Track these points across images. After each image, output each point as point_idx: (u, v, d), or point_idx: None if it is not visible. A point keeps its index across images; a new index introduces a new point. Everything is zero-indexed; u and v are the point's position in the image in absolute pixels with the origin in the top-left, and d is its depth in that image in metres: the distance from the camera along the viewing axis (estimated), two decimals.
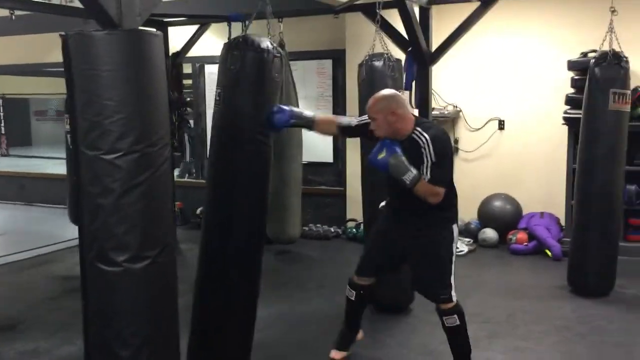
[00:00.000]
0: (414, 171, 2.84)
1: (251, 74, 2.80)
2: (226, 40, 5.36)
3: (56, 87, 13.30)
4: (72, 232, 6.46)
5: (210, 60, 7.05)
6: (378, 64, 4.07)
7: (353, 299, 3.31)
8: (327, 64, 6.55)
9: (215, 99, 2.91)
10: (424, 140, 2.88)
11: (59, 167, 10.42)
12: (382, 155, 2.93)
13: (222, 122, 2.91)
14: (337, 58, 6.49)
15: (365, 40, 6.17)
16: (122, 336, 2.16)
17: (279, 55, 2.87)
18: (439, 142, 2.89)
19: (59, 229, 7.04)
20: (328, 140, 6.64)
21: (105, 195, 2.11)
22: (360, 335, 3.48)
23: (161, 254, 2.20)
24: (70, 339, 3.70)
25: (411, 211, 3.05)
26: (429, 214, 2.99)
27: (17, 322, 4.03)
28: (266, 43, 2.81)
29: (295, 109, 3.05)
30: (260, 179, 2.96)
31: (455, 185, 3.11)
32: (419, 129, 2.93)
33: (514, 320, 3.95)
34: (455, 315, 2.99)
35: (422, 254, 3.06)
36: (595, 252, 4.37)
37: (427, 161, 2.85)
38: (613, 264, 4.40)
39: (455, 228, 3.05)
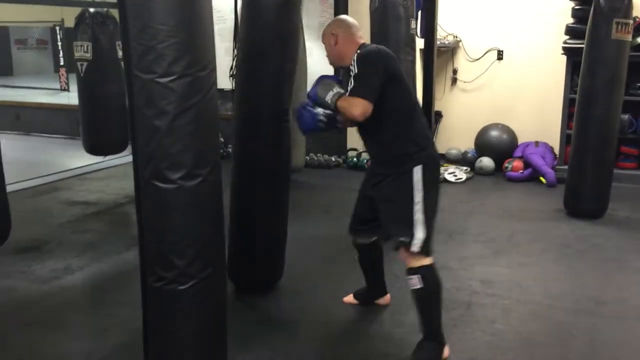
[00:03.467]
0: (336, 90, 2.68)
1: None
2: None
3: (37, 14, 12.98)
4: (76, 161, 6.63)
5: None
6: None
7: (356, 257, 3.13)
8: None
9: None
10: (354, 59, 2.65)
11: (49, 97, 10.37)
12: (313, 86, 2.80)
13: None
14: None
15: None
16: (177, 248, 2.33)
17: None
18: (364, 55, 2.64)
19: (62, 158, 7.15)
20: (330, 70, 6.69)
21: (160, 117, 2.22)
22: (385, 300, 3.22)
23: (211, 172, 2.35)
24: (99, 258, 3.90)
25: (373, 156, 2.88)
26: (385, 157, 2.73)
27: (42, 243, 4.19)
28: None
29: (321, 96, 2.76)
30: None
31: (416, 120, 2.70)
32: (359, 51, 2.69)
33: (515, 239, 4.23)
34: (416, 277, 2.58)
35: (383, 200, 2.74)
36: (591, 176, 4.61)
37: (352, 75, 2.61)
38: (607, 188, 4.66)
39: (417, 171, 2.60)
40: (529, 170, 5.88)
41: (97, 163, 6.49)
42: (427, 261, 2.60)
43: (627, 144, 5.73)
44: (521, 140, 6.26)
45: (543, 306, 3.21)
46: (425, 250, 2.60)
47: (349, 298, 3.26)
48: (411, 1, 4.22)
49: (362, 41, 2.79)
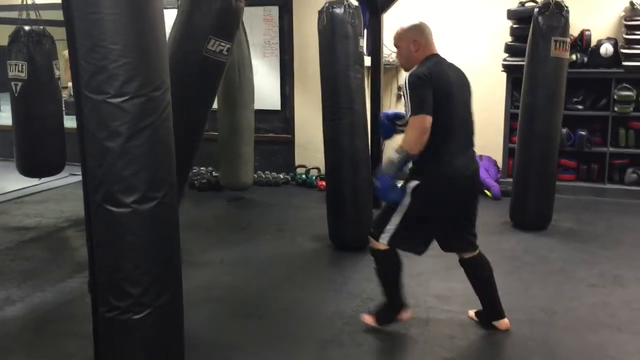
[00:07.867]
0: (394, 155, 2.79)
1: None
2: None
3: None
4: (10, 184, 6.31)
5: None
6: (338, 11, 4.16)
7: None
8: (274, 10, 6.53)
9: None
10: (405, 80, 2.80)
11: None
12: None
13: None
14: (283, 5, 6.49)
15: None
16: (132, 276, 2.23)
17: None
18: (409, 80, 2.78)
19: None
20: (275, 87, 6.69)
21: (112, 138, 2.14)
22: (504, 324, 3.12)
23: (167, 194, 2.27)
24: (40, 287, 3.69)
25: None
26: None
27: None
28: None
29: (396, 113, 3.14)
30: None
31: (444, 141, 2.82)
32: (417, 64, 2.88)
33: None
34: (374, 259, 3.03)
35: None
36: (535, 190, 4.75)
37: (406, 100, 2.76)
38: (551, 201, 4.81)
39: (410, 186, 2.84)
40: None
41: (33, 186, 6.21)
42: (382, 247, 2.92)
43: (565, 156, 5.94)
44: None
45: None
46: (393, 244, 2.90)
47: (471, 313, 3.24)
48: (359, 20, 4.25)
49: (436, 50, 2.99)
